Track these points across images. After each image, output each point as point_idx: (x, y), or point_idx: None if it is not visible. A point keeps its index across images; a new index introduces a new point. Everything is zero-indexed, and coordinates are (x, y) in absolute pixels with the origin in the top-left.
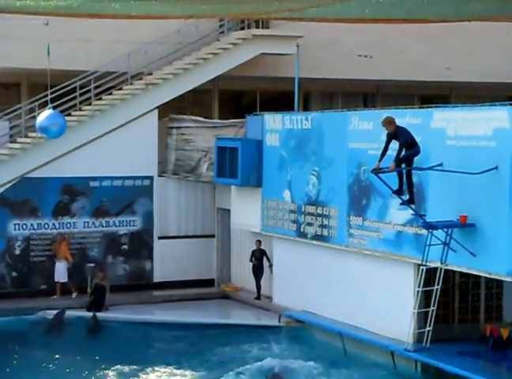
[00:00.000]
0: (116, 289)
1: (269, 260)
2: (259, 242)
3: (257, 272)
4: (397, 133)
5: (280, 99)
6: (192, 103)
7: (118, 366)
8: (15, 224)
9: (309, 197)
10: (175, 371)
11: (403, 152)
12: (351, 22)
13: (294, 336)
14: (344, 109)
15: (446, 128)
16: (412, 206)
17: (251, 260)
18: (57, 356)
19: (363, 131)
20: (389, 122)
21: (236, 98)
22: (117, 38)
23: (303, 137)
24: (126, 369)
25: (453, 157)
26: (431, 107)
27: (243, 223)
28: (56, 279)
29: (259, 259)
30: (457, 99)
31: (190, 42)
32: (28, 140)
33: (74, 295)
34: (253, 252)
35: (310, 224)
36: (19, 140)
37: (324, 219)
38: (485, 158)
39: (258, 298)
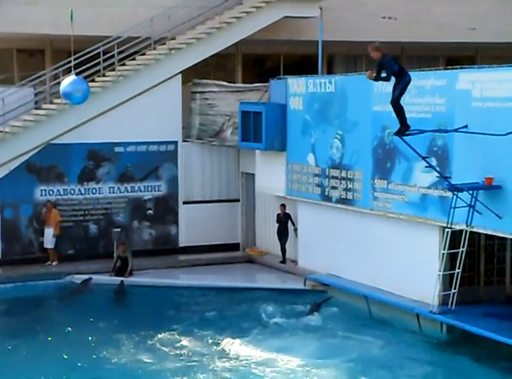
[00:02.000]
0: (142, 254)
1: (293, 223)
2: (284, 206)
3: (282, 235)
4: (383, 61)
5: (303, 63)
6: (215, 67)
7: (142, 331)
8: (41, 190)
9: (333, 161)
10: (199, 334)
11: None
12: None
13: (320, 298)
14: (366, 71)
15: (471, 89)
16: (438, 169)
17: (277, 224)
18: (81, 320)
19: (388, 94)
20: (374, 49)
21: (260, 62)
22: (140, 2)
23: (327, 101)
24: (151, 333)
25: (478, 119)
26: (456, 69)
27: (268, 187)
28: (44, 246)
29: (284, 223)
30: (483, 61)
31: (213, 6)
32: (52, 106)
33: (55, 263)
34: (278, 216)
35: (334, 188)
36: (44, 106)
37: (348, 182)
38: (511, 119)
39: (283, 261)
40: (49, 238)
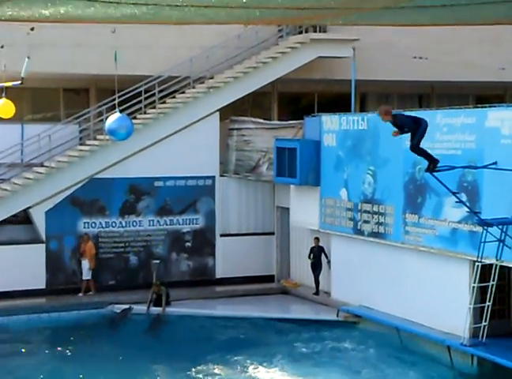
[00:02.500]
0: (180, 284)
1: (326, 256)
2: (317, 239)
3: (316, 268)
4: (396, 122)
5: (337, 101)
6: (252, 105)
7: (180, 360)
8: (84, 222)
9: (365, 195)
10: (236, 364)
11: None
12: (404, 26)
13: (352, 330)
14: (399, 110)
15: (500, 127)
16: (468, 204)
17: (309, 257)
18: (120, 349)
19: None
20: (384, 113)
21: (294, 100)
22: (179, 43)
23: (359, 137)
24: (187, 362)
25: (507, 155)
26: (486, 107)
27: (302, 220)
28: (83, 277)
29: (317, 256)
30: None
31: (250, 46)
32: (96, 142)
33: (92, 292)
34: (311, 249)
35: (366, 222)
36: (88, 142)
37: (380, 216)
38: None
39: (317, 293)
40: (85, 269)
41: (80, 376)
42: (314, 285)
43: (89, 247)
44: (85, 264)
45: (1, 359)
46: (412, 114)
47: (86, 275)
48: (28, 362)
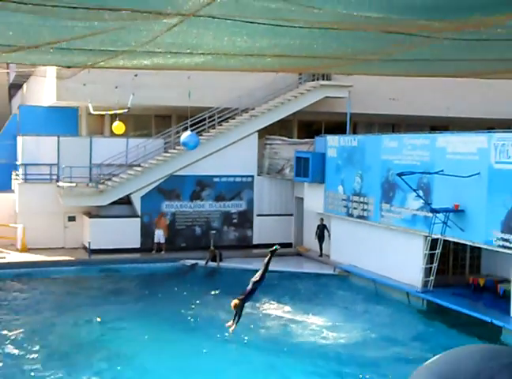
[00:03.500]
0: (229, 248)
1: (328, 231)
2: (322, 219)
3: (320, 238)
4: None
5: (337, 126)
6: (280, 128)
7: (225, 293)
8: (166, 204)
9: (355, 190)
10: (260, 301)
11: None
12: (393, 75)
13: (344, 281)
14: (379, 133)
15: (446, 146)
16: (423, 197)
17: (316, 231)
18: (188, 287)
19: (391, 148)
20: (233, 306)
21: (308, 125)
22: (232, 85)
23: (352, 151)
24: (230, 295)
25: (450, 166)
26: (436, 133)
27: (312, 206)
28: (156, 241)
29: (321, 230)
30: (453, 128)
31: (279, 88)
32: (175, 151)
33: (163, 252)
34: (318, 225)
35: (355, 208)
36: (169, 151)
37: (364, 205)
38: (471, 166)
39: (321, 256)
40: (160, 236)
41: (166, 300)
42: (319, 250)
43: (163, 221)
44: (159, 232)
45: (111, 291)
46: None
47: (160, 239)
48: (128, 294)
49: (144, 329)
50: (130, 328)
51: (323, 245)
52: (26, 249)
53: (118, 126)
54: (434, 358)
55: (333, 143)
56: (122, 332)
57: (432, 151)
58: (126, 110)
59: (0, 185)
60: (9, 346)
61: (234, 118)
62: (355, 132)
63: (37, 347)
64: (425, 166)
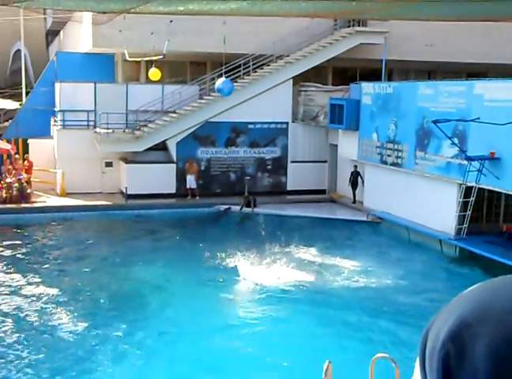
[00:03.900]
0: (263, 194)
1: (361, 178)
2: (356, 166)
3: (353, 185)
4: None
5: (372, 73)
6: (315, 74)
7: (264, 243)
8: (201, 151)
9: (389, 138)
10: (293, 245)
11: None
12: (428, 20)
13: (376, 228)
14: (414, 80)
15: (483, 94)
16: (458, 145)
17: (350, 178)
18: (222, 231)
19: (427, 95)
20: None
21: (343, 72)
22: (267, 31)
23: (387, 98)
24: (269, 244)
25: (487, 113)
26: (473, 80)
27: (346, 153)
28: (188, 186)
29: (355, 177)
30: (491, 74)
31: (314, 34)
32: (210, 98)
33: (198, 198)
34: (351, 172)
35: (389, 155)
36: (205, 97)
37: (398, 152)
38: (508, 114)
39: (354, 202)
40: (191, 181)
41: (200, 244)
42: (352, 197)
43: (194, 167)
44: (191, 178)
45: (146, 235)
46: None
47: (192, 185)
48: (164, 237)
49: (177, 272)
50: (163, 272)
51: (356, 193)
52: (65, 194)
53: (154, 73)
54: (473, 286)
55: (367, 90)
56: (154, 274)
57: (469, 98)
58: (161, 57)
59: (40, 132)
60: (46, 288)
61: (268, 65)
62: (390, 79)
63: (67, 288)
64: (461, 114)
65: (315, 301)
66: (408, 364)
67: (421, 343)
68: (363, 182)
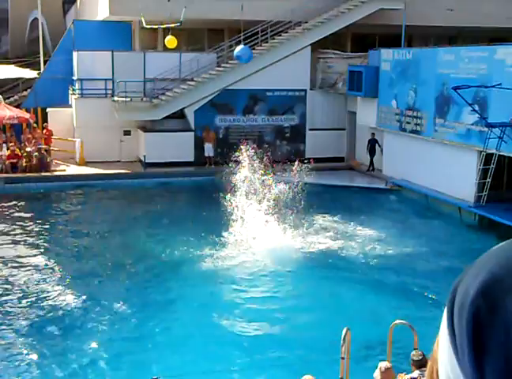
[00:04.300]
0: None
1: (379, 145)
2: (373, 133)
3: (371, 153)
4: None
5: (392, 39)
6: (333, 41)
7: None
8: (219, 118)
9: (408, 105)
10: (313, 213)
11: None
12: None
13: (395, 195)
14: (435, 46)
15: (504, 59)
16: (479, 112)
17: (367, 145)
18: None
19: (447, 61)
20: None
21: (362, 38)
22: (284, 0)
23: (406, 65)
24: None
25: (508, 79)
26: (495, 45)
27: (365, 120)
28: (206, 154)
29: (373, 145)
30: None
31: (333, 0)
32: (228, 65)
33: (212, 167)
34: (369, 140)
35: (408, 123)
36: (222, 65)
37: (418, 119)
38: None
39: (370, 170)
40: (209, 149)
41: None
42: (369, 164)
43: (211, 135)
44: (208, 146)
45: (168, 202)
46: None
47: (209, 153)
48: (184, 205)
49: (193, 238)
50: (181, 240)
51: (374, 160)
52: (84, 163)
53: (171, 40)
54: (502, 242)
55: (387, 56)
56: (171, 242)
57: (490, 63)
58: (178, 24)
59: (58, 100)
60: (67, 256)
61: (287, 32)
62: (410, 45)
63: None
64: (482, 80)
65: (334, 267)
66: (425, 330)
67: (449, 300)
68: (381, 150)
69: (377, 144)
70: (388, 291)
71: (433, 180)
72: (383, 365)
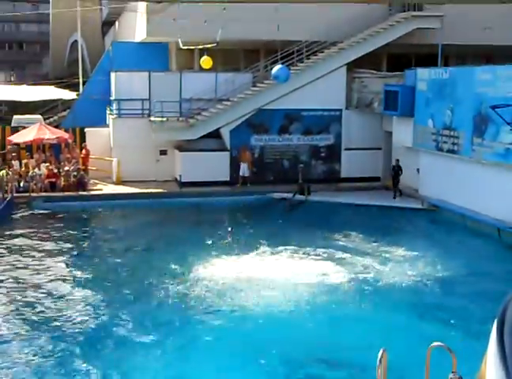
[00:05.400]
0: (316, 181)
1: (401, 171)
2: (397, 160)
3: (394, 180)
4: None
5: (427, 58)
6: (369, 61)
7: (317, 229)
8: (255, 138)
9: (445, 124)
10: (347, 234)
11: None
12: (486, 3)
13: (432, 215)
14: (471, 65)
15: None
16: None
17: (392, 173)
18: (278, 216)
19: (485, 80)
20: None
21: (398, 58)
22: (321, 19)
23: (443, 84)
24: (321, 231)
25: None
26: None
27: (400, 140)
28: (241, 174)
29: (396, 171)
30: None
31: (369, 20)
32: (263, 85)
33: (248, 185)
34: (393, 166)
35: (445, 142)
36: (258, 85)
37: (455, 139)
38: None
39: (400, 195)
40: (244, 169)
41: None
42: (407, 184)
43: (247, 155)
44: (244, 166)
45: (200, 222)
46: None
47: (245, 173)
48: (217, 224)
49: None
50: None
51: (410, 180)
52: (121, 182)
53: (206, 61)
54: None
55: (423, 76)
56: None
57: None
58: (215, 45)
59: (96, 121)
60: (103, 272)
61: (322, 52)
62: (446, 64)
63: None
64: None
65: (370, 288)
66: (464, 353)
67: (498, 319)
68: (418, 170)
69: (400, 171)
70: (425, 314)
71: (470, 200)
72: None
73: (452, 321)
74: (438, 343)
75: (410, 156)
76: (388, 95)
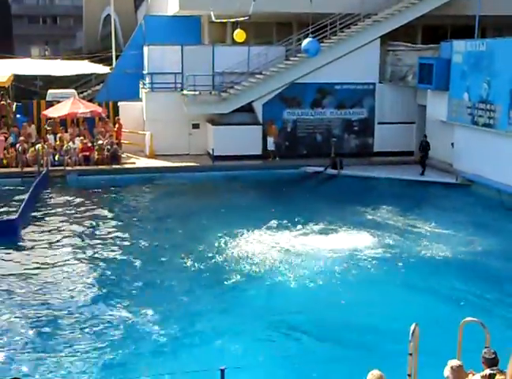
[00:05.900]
0: (349, 155)
1: (429, 147)
2: (425, 135)
3: (422, 157)
4: None
5: (464, 30)
6: (403, 33)
7: (350, 204)
8: (287, 112)
9: (481, 97)
10: (387, 209)
11: None
12: None
13: (466, 190)
14: (509, 36)
15: None
16: None
17: (419, 148)
18: (307, 191)
19: None
20: None
21: (433, 30)
22: None
23: (479, 57)
24: (354, 206)
25: None
26: None
27: (435, 114)
28: (268, 148)
29: (425, 146)
30: None
31: None
32: (296, 58)
33: (277, 159)
34: (421, 141)
35: (481, 116)
36: (291, 58)
37: (491, 112)
38: None
39: (422, 173)
40: (270, 143)
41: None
42: (441, 159)
43: (273, 129)
44: (270, 139)
45: (234, 196)
46: None
47: (271, 146)
48: (250, 198)
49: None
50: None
51: (445, 154)
52: (154, 156)
53: (239, 34)
54: None
55: (459, 48)
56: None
57: None
58: (247, 18)
59: (129, 95)
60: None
61: (356, 24)
62: (483, 36)
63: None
64: None
65: (403, 263)
66: (497, 329)
67: None
68: (452, 144)
69: (428, 146)
70: (459, 289)
71: (506, 174)
72: (454, 363)
73: (485, 297)
74: (471, 319)
75: (444, 130)
76: (422, 68)
